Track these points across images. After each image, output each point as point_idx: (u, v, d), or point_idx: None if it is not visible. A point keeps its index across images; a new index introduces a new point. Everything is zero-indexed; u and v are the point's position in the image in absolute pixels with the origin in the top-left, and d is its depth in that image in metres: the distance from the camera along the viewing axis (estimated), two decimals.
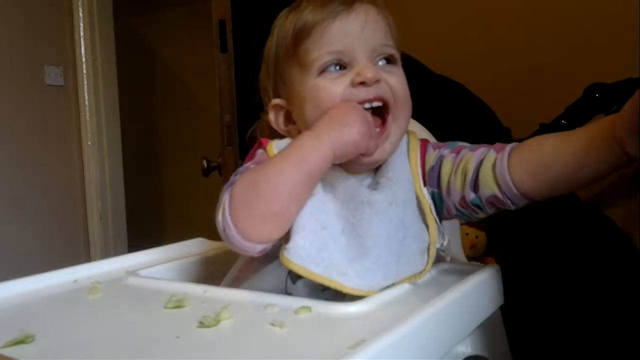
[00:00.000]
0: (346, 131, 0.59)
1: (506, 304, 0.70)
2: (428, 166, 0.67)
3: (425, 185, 0.66)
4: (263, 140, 0.69)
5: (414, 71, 1.40)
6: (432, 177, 0.66)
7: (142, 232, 2.72)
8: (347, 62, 0.64)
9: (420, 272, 0.62)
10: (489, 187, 0.60)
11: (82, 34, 2.47)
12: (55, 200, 2.44)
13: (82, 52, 2.47)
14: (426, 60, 1.45)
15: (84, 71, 2.48)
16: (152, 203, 3.27)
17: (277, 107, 0.70)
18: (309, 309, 0.55)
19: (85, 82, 2.49)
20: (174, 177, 3.22)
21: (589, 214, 1.30)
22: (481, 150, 0.63)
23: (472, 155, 0.63)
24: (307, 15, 0.65)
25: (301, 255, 0.58)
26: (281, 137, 0.70)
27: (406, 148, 0.69)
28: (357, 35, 0.63)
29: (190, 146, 2.96)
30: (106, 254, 2.49)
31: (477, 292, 0.63)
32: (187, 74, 3.11)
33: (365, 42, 0.64)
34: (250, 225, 0.57)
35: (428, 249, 0.63)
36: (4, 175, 2.24)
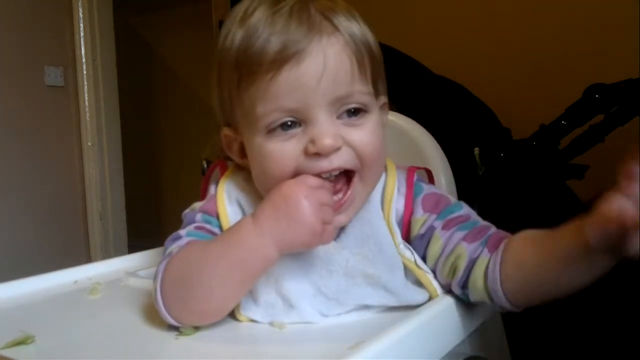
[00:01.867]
0: (292, 231, 0.49)
1: None
2: (415, 231, 0.59)
3: (404, 238, 0.59)
4: (220, 167, 0.64)
5: (414, 71, 1.41)
6: (417, 247, 0.59)
7: (142, 232, 2.72)
8: (301, 118, 0.52)
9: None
10: (479, 294, 0.54)
11: (82, 34, 2.47)
12: (55, 200, 2.43)
13: (82, 52, 2.47)
14: (426, 60, 1.45)
15: (84, 71, 2.48)
16: (152, 203, 3.27)
17: (230, 138, 0.60)
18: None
19: (85, 82, 2.48)
20: (174, 177, 3.22)
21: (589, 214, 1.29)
22: (474, 245, 0.55)
23: (464, 252, 0.55)
24: (250, 48, 0.51)
25: (256, 316, 0.54)
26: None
27: (380, 201, 0.59)
28: (311, 88, 0.51)
29: (190, 146, 2.96)
30: (106, 254, 2.49)
31: None
32: (187, 74, 3.11)
33: (323, 96, 0.51)
34: (184, 316, 0.51)
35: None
36: (4, 176, 2.24)
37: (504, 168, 1.30)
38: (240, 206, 0.60)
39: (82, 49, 2.47)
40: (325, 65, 0.51)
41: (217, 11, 1.62)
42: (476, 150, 1.28)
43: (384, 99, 0.60)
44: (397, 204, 0.60)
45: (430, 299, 0.56)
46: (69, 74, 2.47)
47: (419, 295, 0.56)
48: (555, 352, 1.12)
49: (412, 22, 1.68)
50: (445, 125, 1.02)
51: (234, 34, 0.54)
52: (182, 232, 0.59)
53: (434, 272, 0.58)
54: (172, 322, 0.51)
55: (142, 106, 3.23)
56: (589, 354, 1.10)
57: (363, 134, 0.54)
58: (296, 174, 0.53)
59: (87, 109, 2.50)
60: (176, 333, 0.51)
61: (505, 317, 0.75)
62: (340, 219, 0.55)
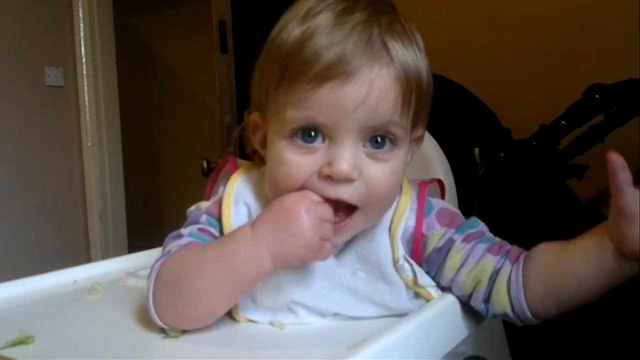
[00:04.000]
0: (290, 244, 0.49)
1: None
2: (432, 245, 0.58)
3: (415, 255, 0.58)
4: (231, 164, 0.63)
5: None
6: (433, 261, 0.58)
7: (142, 232, 2.72)
8: (327, 134, 0.51)
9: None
10: (501, 306, 0.54)
11: (82, 34, 2.47)
12: (55, 200, 2.44)
13: (82, 52, 2.47)
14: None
15: (84, 71, 2.48)
16: (152, 203, 3.27)
17: (257, 124, 0.59)
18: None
19: (85, 83, 2.49)
20: (174, 178, 3.22)
21: (589, 214, 1.29)
22: (497, 258, 0.55)
23: (489, 264, 0.55)
24: (301, 54, 0.50)
25: (255, 316, 0.55)
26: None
27: (390, 217, 0.58)
28: (347, 112, 0.49)
29: (190, 146, 2.96)
30: (106, 254, 2.49)
31: None
32: (187, 74, 3.11)
33: (357, 121, 0.50)
34: (171, 318, 0.51)
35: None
36: (4, 176, 2.24)
37: (504, 168, 1.30)
38: (248, 209, 0.59)
39: (82, 49, 2.47)
40: (368, 95, 0.49)
41: (217, 11, 1.62)
42: (476, 150, 1.28)
43: (420, 132, 0.59)
44: (409, 221, 0.59)
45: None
46: (69, 74, 2.47)
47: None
48: (555, 352, 1.12)
49: (411, 21, 1.68)
50: (445, 125, 1.02)
51: (291, 30, 0.52)
52: (184, 231, 0.58)
53: (441, 287, 0.58)
54: (159, 323, 0.51)
55: (142, 106, 3.23)
56: (589, 354, 1.10)
57: (383, 172, 0.52)
58: (302, 189, 0.52)
59: (87, 109, 2.50)
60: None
61: None
62: (335, 240, 0.54)
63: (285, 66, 0.51)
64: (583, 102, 1.25)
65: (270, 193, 0.55)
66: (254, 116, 0.58)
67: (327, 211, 0.51)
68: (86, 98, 2.49)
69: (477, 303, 0.56)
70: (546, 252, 0.54)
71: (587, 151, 1.29)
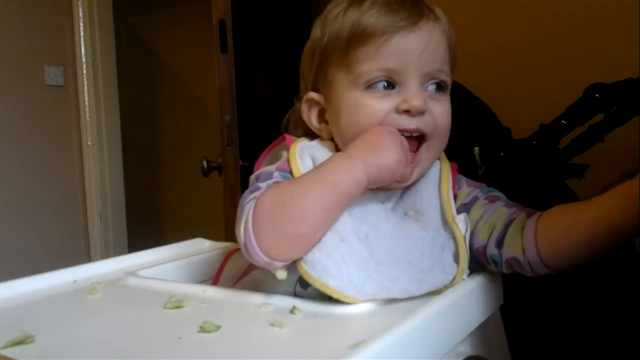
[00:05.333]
0: (382, 157, 0.56)
1: (506, 304, 0.70)
2: (460, 201, 0.66)
3: (458, 213, 0.65)
4: (287, 137, 0.67)
5: None
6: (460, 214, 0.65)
7: (142, 232, 2.72)
8: (397, 81, 0.61)
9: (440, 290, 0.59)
10: (513, 248, 0.60)
11: (82, 34, 2.47)
12: (55, 200, 2.44)
13: (82, 52, 2.48)
14: None
15: (84, 71, 2.48)
16: (152, 203, 3.27)
17: (312, 102, 0.67)
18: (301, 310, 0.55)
19: (85, 82, 2.49)
20: (173, 177, 3.22)
21: None
22: (513, 209, 0.63)
23: (504, 212, 0.63)
24: (368, 19, 0.60)
25: (317, 268, 0.55)
26: (309, 132, 0.68)
27: (438, 176, 0.67)
28: (414, 57, 0.60)
29: (190, 146, 2.96)
30: (106, 254, 2.49)
31: (477, 292, 0.63)
32: (187, 74, 3.11)
33: (421, 67, 0.60)
34: (274, 244, 0.54)
35: (454, 278, 0.61)
36: (4, 175, 2.24)
37: (504, 168, 1.30)
38: (313, 161, 0.63)
39: (82, 48, 2.47)
40: (429, 41, 0.60)
41: (217, 11, 1.62)
42: (476, 150, 1.28)
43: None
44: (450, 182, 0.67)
45: (450, 284, 0.60)
46: (69, 73, 2.47)
47: (444, 275, 0.60)
48: (555, 352, 1.12)
49: None
50: None
51: (345, 13, 0.62)
52: (261, 184, 0.60)
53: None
54: (260, 255, 0.54)
55: (142, 106, 3.23)
56: (589, 354, 1.10)
57: (442, 108, 0.63)
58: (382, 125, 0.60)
59: (87, 109, 2.50)
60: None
61: (505, 317, 0.75)
62: (413, 173, 0.62)
63: (354, 30, 0.60)
64: (583, 102, 1.25)
65: (347, 139, 0.61)
66: (310, 95, 0.66)
67: (404, 140, 0.60)
68: (86, 98, 2.49)
69: (491, 249, 0.61)
70: (567, 206, 0.60)
71: (587, 151, 1.29)
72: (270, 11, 1.71)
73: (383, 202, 0.64)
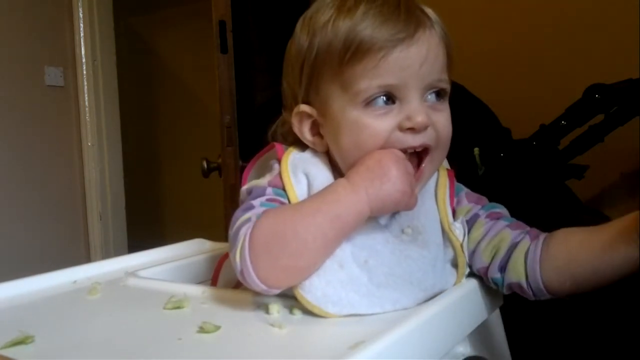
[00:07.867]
0: (386, 188, 0.54)
1: (506, 304, 0.70)
2: (460, 217, 0.64)
3: (454, 220, 0.64)
4: (278, 147, 0.65)
5: None
6: None
7: (142, 233, 2.72)
8: (397, 96, 0.58)
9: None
10: (516, 274, 0.59)
11: (82, 34, 2.47)
12: (55, 200, 2.44)
13: (82, 52, 2.48)
14: None
15: (84, 71, 2.48)
16: (152, 203, 3.27)
17: (304, 114, 0.63)
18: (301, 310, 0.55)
19: (85, 83, 2.49)
20: (173, 178, 3.22)
21: (589, 214, 1.30)
22: (517, 231, 0.61)
23: (508, 235, 0.61)
24: (363, 31, 0.56)
25: (316, 294, 0.55)
26: (300, 140, 0.65)
27: (434, 184, 0.65)
28: (414, 71, 0.57)
29: (190, 146, 2.96)
30: (106, 254, 2.49)
31: (477, 292, 0.62)
32: (187, 74, 3.11)
33: (422, 79, 0.58)
34: (273, 275, 0.53)
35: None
36: (4, 176, 2.24)
37: (504, 168, 1.30)
38: (307, 178, 0.61)
39: (82, 49, 2.48)
40: (428, 52, 0.58)
41: (217, 11, 1.62)
42: (476, 150, 1.28)
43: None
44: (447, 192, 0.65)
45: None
46: (69, 74, 2.47)
47: (446, 286, 0.60)
48: (555, 352, 1.12)
49: None
50: None
51: (336, 21, 0.58)
52: (254, 202, 0.59)
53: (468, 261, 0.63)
54: (258, 283, 0.53)
55: (142, 106, 3.23)
56: (589, 354, 1.10)
57: (443, 118, 0.60)
58: (384, 147, 0.58)
59: (87, 109, 2.50)
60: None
61: (505, 317, 0.75)
62: (416, 189, 0.59)
63: (349, 44, 0.57)
64: (583, 102, 1.25)
65: (349, 160, 0.60)
66: (302, 108, 0.63)
67: (409, 165, 0.58)
68: (86, 98, 2.50)
69: (493, 272, 0.60)
70: (571, 232, 0.59)
71: (587, 151, 1.29)
72: (270, 11, 1.71)
73: (378, 219, 0.61)
